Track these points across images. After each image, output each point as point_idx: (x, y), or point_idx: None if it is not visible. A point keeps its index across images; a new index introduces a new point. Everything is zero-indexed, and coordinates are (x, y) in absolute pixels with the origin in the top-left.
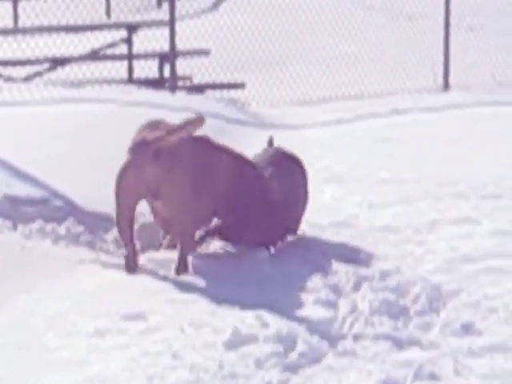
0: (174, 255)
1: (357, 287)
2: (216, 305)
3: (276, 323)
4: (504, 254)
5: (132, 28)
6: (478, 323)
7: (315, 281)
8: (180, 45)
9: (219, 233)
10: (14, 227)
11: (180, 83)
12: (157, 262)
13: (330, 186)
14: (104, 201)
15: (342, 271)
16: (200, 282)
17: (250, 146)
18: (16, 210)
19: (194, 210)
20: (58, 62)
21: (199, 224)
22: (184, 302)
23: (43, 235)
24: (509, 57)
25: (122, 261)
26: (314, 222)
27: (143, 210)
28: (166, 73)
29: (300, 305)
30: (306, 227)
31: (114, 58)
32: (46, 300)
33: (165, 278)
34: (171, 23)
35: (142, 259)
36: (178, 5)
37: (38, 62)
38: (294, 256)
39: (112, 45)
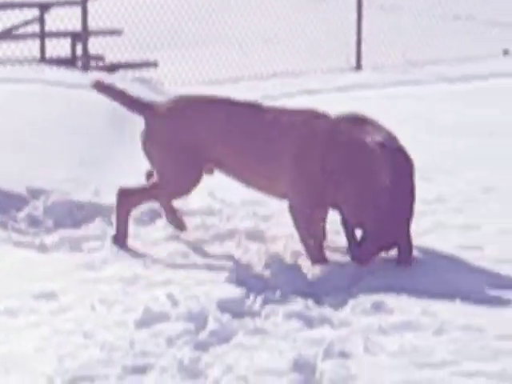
0: (86, 233)
1: (268, 266)
2: (128, 284)
3: (187, 302)
4: None
5: (44, 7)
6: (388, 302)
7: (226, 259)
8: (92, 24)
9: None
10: None
11: (93, 63)
12: (71, 240)
13: None
14: (15, 179)
15: (253, 249)
16: (112, 262)
17: None
18: None
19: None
20: None
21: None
22: (96, 281)
23: None
24: (421, 37)
25: (35, 239)
26: (221, 198)
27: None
28: (79, 52)
29: (211, 283)
30: (213, 203)
31: (26, 36)
32: None
33: (77, 257)
34: (83, 2)
35: (55, 237)
36: None
37: None
38: (205, 233)
39: (24, 24)
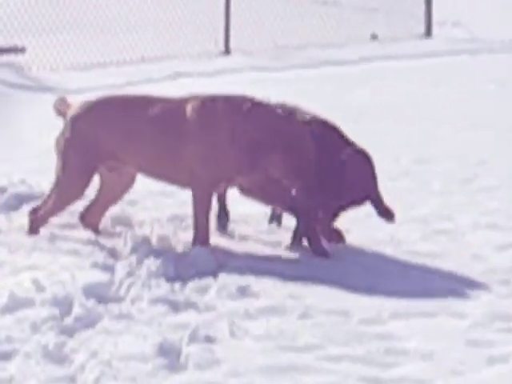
0: None
1: (134, 250)
2: None
3: (52, 287)
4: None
5: None
6: (254, 286)
7: (92, 244)
8: None
9: None
10: None
11: None
12: None
13: None
14: None
15: (119, 234)
16: None
17: (31, 110)
18: None
19: None
20: None
21: None
22: None
23: None
24: (289, 22)
25: None
26: None
27: None
28: None
29: (77, 268)
30: None
31: None
32: None
33: None
34: None
35: None
36: None
37: None
38: (71, 218)
39: None
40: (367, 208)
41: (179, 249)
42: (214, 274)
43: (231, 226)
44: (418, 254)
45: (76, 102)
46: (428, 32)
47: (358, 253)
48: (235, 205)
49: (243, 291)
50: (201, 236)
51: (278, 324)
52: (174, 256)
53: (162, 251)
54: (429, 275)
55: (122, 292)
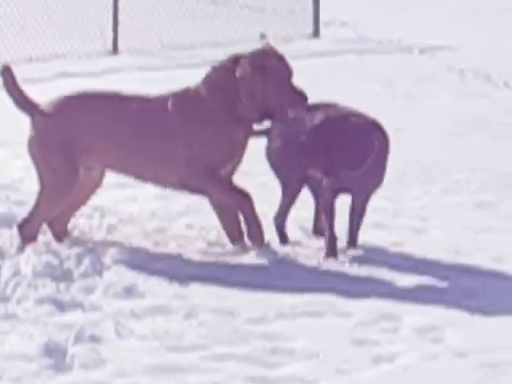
0: None
1: (20, 250)
2: None
3: None
4: (167, 217)
5: None
6: (140, 285)
7: None
8: None
9: None
10: None
11: None
12: None
13: None
14: None
15: (6, 235)
16: None
17: None
18: None
19: None
20: None
21: None
22: None
23: None
24: (178, 21)
25: None
26: None
27: None
28: None
29: None
30: None
31: None
32: None
33: None
34: None
35: None
36: None
37: None
38: None
39: None
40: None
41: (65, 248)
42: (100, 274)
43: (118, 226)
44: (304, 253)
45: (41, 100)
46: (316, 32)
47: (245, 251)
48: (122, 204)
49: (129, 291)
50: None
51: (163, 324)
52: (60, 255)
53: (49, 251)
54: (314, 275)
55: (8, 292)
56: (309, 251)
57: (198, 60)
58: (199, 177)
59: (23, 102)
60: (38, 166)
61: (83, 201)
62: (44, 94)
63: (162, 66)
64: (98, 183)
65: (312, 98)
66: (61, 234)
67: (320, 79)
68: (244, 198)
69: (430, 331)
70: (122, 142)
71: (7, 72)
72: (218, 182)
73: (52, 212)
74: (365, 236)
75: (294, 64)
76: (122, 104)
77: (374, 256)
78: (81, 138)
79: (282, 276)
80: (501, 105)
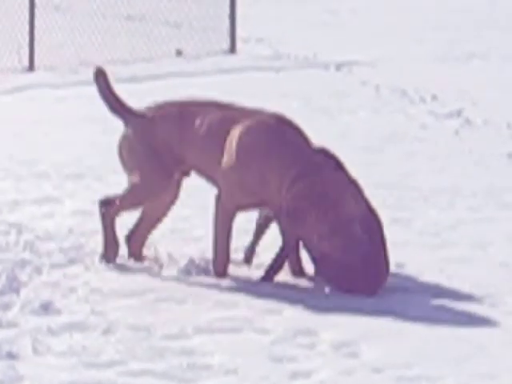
0: None
1: None
2: None
3: None
4: (85, 233)
5: None
6: (57, 302)
7: None
8: None
9: None
10: None
11: None
12: None
13: None
14: None
15: None
16: None
17: None
18: None
19: None
20: None
21: None
22: None
23: None
24: (92, 37)
25: None
26: None
27: None
28: None
29: None
30: None
31: None
32: None
33: None
34: None
35: None
36: None
37: None
38: None
39: None
40: None
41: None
42: (17, 291)
43: (35, 243)
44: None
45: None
46: (232, 48)
47: (160, 267)
48: (39, 221)
49: (46, 307)
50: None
51: (81, 340)
52: None
53: None
54: (231, 291)
55: None
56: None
57: (114, 77)
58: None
59: (117, 104)
60: (127, 169)
61: (160, 218)
62: None
63: (78, 82)
64: (174, 200)
65: None
66: (138, 253)
67: (236, 95)
68: None
69: (347, 346)
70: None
71: (101, 73)
72: None
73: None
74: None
75: (210, 80)
76: (218, 112)
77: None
78: (176, 145)
79: (200, 292)
80: (417, 120)
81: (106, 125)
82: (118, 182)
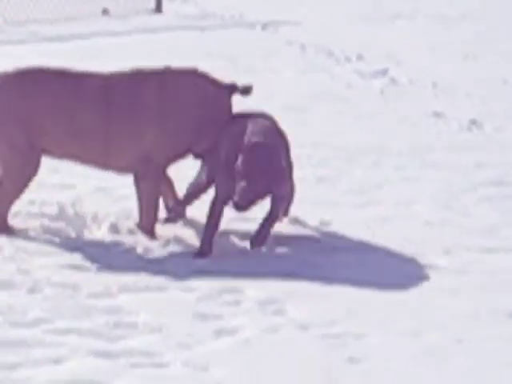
0: None
1: None
2: None
3: None
4: None
5: None
6: None
7: None
8: None
9: None
10: None
11: None
12: None
13: None
14: None
15: None
16: None
17: None
18: None
19: None
20: None
21: None
22: None
23: None
24: None
25: None
26: None
27: None
28: None
29: None
30: None
31: None
32: None
33: None
34: None
35: None
36: None
37: None
38: None
39: None
40: None
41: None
42: None
43: None
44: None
45: None
46: (158, 7)
47: (85, 226)
48: None
49: None
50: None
51: (7, 299)
52: None
53: None
54: (158, 251)
55: None
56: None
57: (34, 36)
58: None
59: None
60: None
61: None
62: None
63: (4, 42)
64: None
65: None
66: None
67: (162, 54)
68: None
69: (272, 304)
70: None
71: None
72: None
73: (18, 195)
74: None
75: (136, 39)
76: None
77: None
78: (34, 116)
79: (126, 251)
80: (342, 79)
81: None
82: None
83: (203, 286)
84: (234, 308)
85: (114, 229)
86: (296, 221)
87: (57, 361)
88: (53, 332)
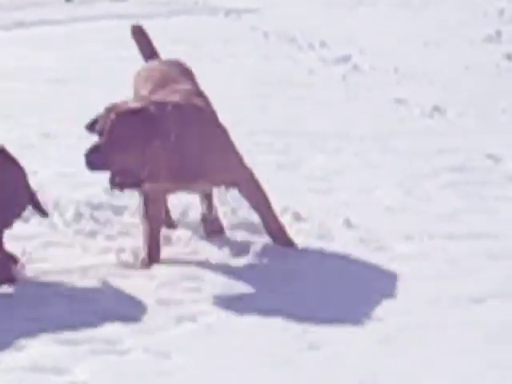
0: None
1: None
2: None
3: None
4: None
5: None
6: None
7: None
8: None
9: None
10: None
11: None
12: None
13: None
14: None
15: None
16: None
17: None
18: None
19: None
20: None
21: None
22: None
23: None
24: None
25: None
26: None
27: None
28: None
29: None
30: None
31: None
32: None
33: None
34: None
35: None
36: None
37: None
38: None
39: None
40: None
41: None
42: None
43: None
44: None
45: None
46: None
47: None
48: None
49: None
50: None
51: None
52: None
53: None
54: (118, 237)
55: None
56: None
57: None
58: None
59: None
60: None
61: None
62: None
63: None
64: None
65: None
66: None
67: (125, 41)
68: None
69: (233, 290)
70: None
71: (139, 31)
72: None
73: None
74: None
75: (99, 26)
76: None
77: (180, 217)
78: None
79: (87, 237)
80: (305, 66)
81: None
82: (4, 129)
83: (164, 272)
84: (195, 294)
85: (76, 215)
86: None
87: (18, 348)
88: (13, 319)
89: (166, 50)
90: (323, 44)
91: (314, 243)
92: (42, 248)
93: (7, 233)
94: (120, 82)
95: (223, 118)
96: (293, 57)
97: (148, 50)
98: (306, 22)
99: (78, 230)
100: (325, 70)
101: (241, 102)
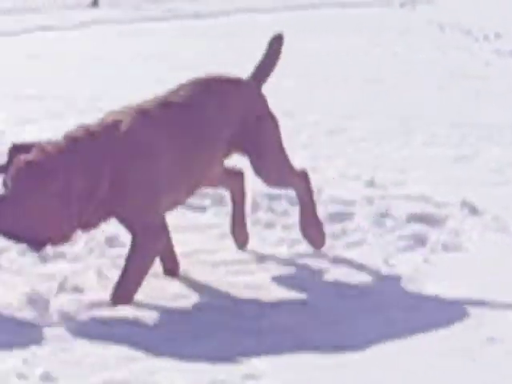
0: None
1: None
2: None
3: None
4: None
5: None
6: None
7: None
8: None
9: None
10: None
11: None
12: None
13: None
14: None
15: None
16: None
17: None
18: None
19: None
20: None
21: None
22: None
23: None
24: None
25: None
26: None
27: None
28: None
29: None
30: None
31: None
32: None
33: None
34: None
35: None
36: None
37: None
38: None
39: None
40: None
41: None
42: None
43: None
44: None
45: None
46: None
47: None
48: None
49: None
50: None
51: None
52: None
53: None
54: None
55: None
56: None
57: (173, 13)
58: None
59: None
60: None
61: None
62: (19, 48)
63: (141, 19)
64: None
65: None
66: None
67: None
68: None
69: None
70: None
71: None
72: None
73: None
74: (345, 189)
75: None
76: None
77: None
78: None
79: None
80: (480, 58)
81: (172, 62)
82: None
83: None
84: None
85: (255, 206)
86: (436, 203)
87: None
88: None
89: (341, 41)
90: (498, 36)
91: (491, 236)
92: (219, 238)
93: (182, 222)
94: None
95: (401, 110)
96: (468, 49)
97: None
98: (480, 13)
99: (254, 220)
100: (500, 61)
101: (417, 95)
